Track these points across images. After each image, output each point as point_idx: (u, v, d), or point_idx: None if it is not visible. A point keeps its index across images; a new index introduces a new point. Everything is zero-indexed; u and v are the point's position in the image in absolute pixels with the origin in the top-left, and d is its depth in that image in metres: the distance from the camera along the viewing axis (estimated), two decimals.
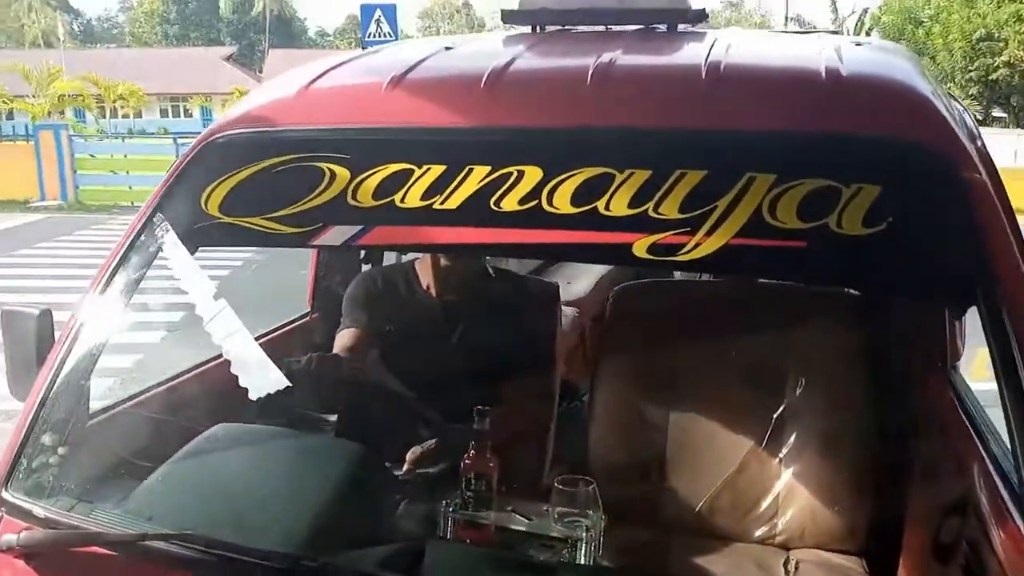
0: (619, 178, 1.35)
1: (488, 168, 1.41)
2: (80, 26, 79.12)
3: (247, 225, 1.54)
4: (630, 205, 1.33)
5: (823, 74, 1.44)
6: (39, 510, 1.39)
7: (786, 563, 1.62)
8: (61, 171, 15.63)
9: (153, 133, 35.93)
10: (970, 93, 24.31)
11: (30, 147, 16.19)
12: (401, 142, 1.52)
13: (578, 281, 3.17)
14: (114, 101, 34.05)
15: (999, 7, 22.44)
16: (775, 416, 1.67)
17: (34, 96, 23.11)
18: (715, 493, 1.73)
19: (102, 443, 1.62)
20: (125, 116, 40.14)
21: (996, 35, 22.76)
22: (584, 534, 1.43)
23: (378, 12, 15.23)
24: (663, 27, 1.91)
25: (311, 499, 1.49)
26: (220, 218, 1.56)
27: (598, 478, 1.70)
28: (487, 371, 1.96)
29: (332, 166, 1.51)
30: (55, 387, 1.54)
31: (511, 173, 1.40)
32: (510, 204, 1.38)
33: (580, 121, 1.47)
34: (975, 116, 4.64)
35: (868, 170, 1.30)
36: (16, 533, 1.32)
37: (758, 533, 1.71)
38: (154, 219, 1.64)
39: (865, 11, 30.44)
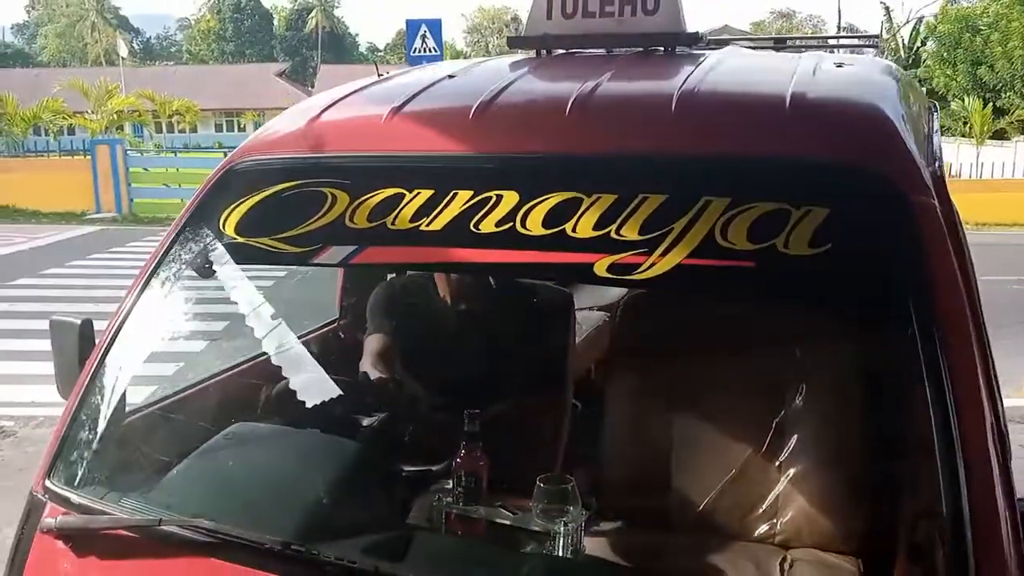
0: (587, 202, 1.45)
1: (471, 192, 1.53)
2: (140, 44, 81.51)
3: (257, 245, 1.69)
4: (594, 227, 1.43)
5: (787, 100, 1.51)
6: (75, 497, 1.58)
7: (783, 562, 1.65)
8: (116, 184, 16.05)
9: (208, 147, 36.76)
10: None
11: (87, 161, 16.66)
12: (395, 168, 1.64)
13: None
14: (170, 116, 34.95)
15: None
16: (776, 421, 1.70)
17: (93, 112, 23.79)
18: (717, 495, 1.75)
19: (132, 440, 1.77)
20: (181, 131, 41.16)
21: None
22: (562, 528, 1.51)
23: (423, 28, 15.38)
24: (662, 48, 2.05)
25: (311, 491, 1.62)
26: (235, 238, 1.72)
27: (607, 479, 1.84)
28: (500, 376, 2.03)
29: (334, 190, 1.64)
30: (92, 389, 1.72)
31: (491, 197, 1.51)
32: (488, 226, 1.49)
33: (555, 149, 1.58)
34: None
35: (816, 193, 1.37)
36: (55, 517, 1.54)
37: (757, 533, 1.72)
38: (179, 238, 1.81)
39: (920, 20, 29.78)
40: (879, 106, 1.58)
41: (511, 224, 1.48)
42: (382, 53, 76.76)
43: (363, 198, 1.61)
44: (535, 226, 1.47)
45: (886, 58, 6.04)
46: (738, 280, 1.39)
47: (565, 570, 1.56)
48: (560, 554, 1.52)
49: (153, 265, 1.82)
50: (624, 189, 1.46)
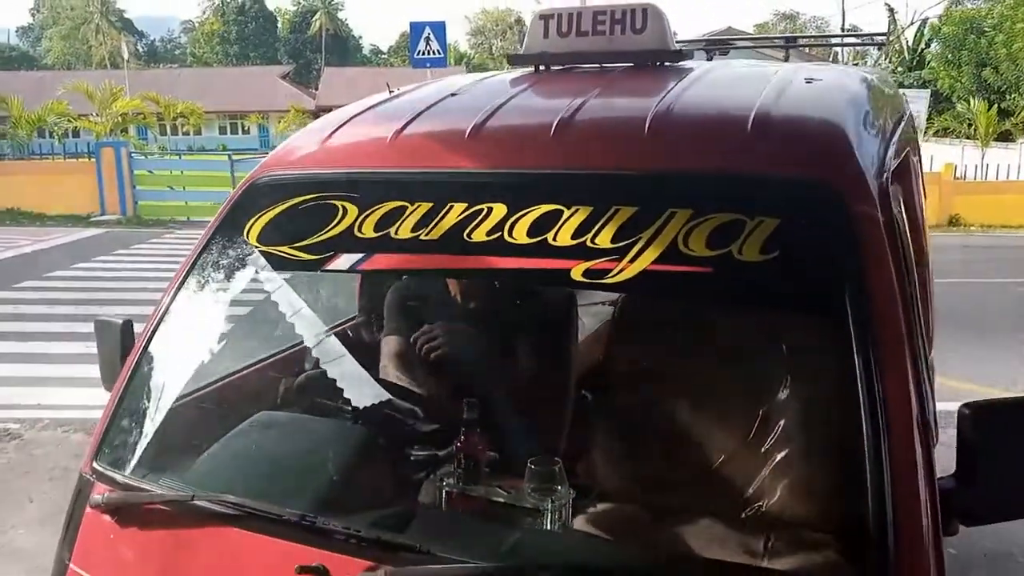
0: (566, 214, 1.61)
1: (465, 205, 1.70)
2: (144, 47, 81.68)
3: (276, 253, 1.88)
4: (572, 236, 1.59)
5: (747, 120, 1.66)
6: (119, 477, 1.77)
7: (767, 540, 1.74)
8: (121, 187, 16.09)
9: (212, 150, 36.80)
10: None
11: (92, 164, 16.72)
12: (398, 183, 1.82)
13: None
14: (174, 119, 35.01)
15: None
16: (757, 411, 1.81)
17: (97, 115, 23.82)
18: (705, 478, 1.85)
19: (168, 425, 1.91)
20: (185, 133, 41.22)
21: None
22: (550, 505, 1.67)
23: (427, 30, 15.39)
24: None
25: (326, 471, 1.83)
26: (257, 246, 1.91)
27: (602, 463, 2.01)
28: (506, 369, 2.18)
29: (344, 203, 1.82)
30: (132, 382, 1.91)
31: (482, 209, 1.68)
32: (479, 236, 1.66)
33: (539, 166, 1.75)
34: None
35: (768, 206, 1.52)
36: (101, 494, 1.73)
37: (743, 514, 1.80)
38: (209, 246, 1.99)
39: (924, 22, 29.73)
40: (830, 124, 1.73)
41: (499, 234, 1.64)
42: (385, 56, 76.87)
43: (370, 210, 1.78)
44: (520, 235, 1.63)
45: (890, 60, 6.00)
46: (697, 284, 1.54)
47: (550, 543, 1.69)
48: (547, 528, 1.67)
49: (185, 270, 1.99)
50: (599, 202, 1.62)
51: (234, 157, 17.24)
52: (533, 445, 1.87)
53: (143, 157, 18.67)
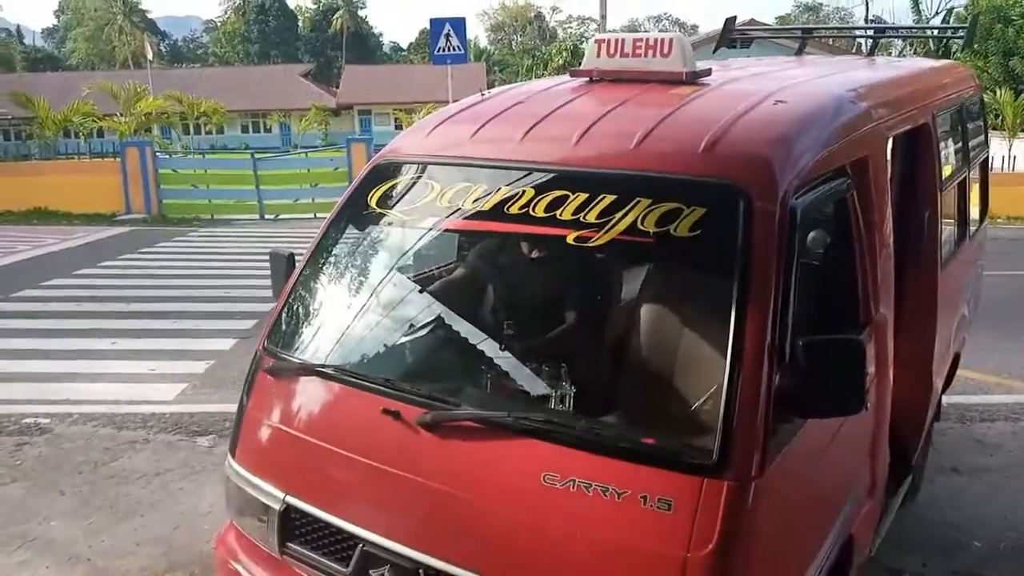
0: (570, 198, 2.34)
1: (508, 188, 2.48)
2: (167, 47, 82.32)
3: (385, 213, 2.79)
4: (572, 214, 2.32)
5: (706, 137, 2.30)
6: (280, 352, 2.71)
7: (661, 412, 2.36)
8: (145, 186, 16.25)
9: (235, 148, 37.03)
10: None
11: (117, 163, 16.89)
12: (467, 170, 2.63)
13: None
14: (197, 118, 35.28)
15: None
16: (674, 328, 2.48)
17: (122, 115, 24.07)
18: (630, 370, 2.55)
19: (312, 320, 2.88)
20: (208, 132, 41.50)
21: None
22: (555, 394, 2.34)
23: (447, 27, 15.33)
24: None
25: (404, 351, 2.72)
26: (375, 209, 2.79)
27: (603, 376, 2.62)
28: (558, 306, 2.77)
29: (432, 182, 2.68)
30: (291, 293, 2.82)
31: (518, 191, 2.44)
32: (513, 209, 2.43)
33: (561, 164, 2.47)
34: None
35: (699, 199, 2.22)
36: (267, 363, 2.69)
37: (648, 390, 2.46)
38: (345, 207, 2.88)
39: (950, 11, 29.30)
40: (756, 141, 2.33)
41: (527, 210, 2.40)
42: (406, 52, 76.94)
43: (448, 188, 2.61)
44: (539, 211, 2.38)
45: (915, 50, 6.11)
46: (646, 250, 2.34)
47: (542, 396, 2.36)
48: (546, 400, 2.35)
49: (328, 222, 2.90)
50: (592, 191, 2.33)
51: (256, 156, 17.34)
52: (549, 353, 2.49)
53: (167, 156, 18.81)
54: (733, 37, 4.82)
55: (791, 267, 2.12)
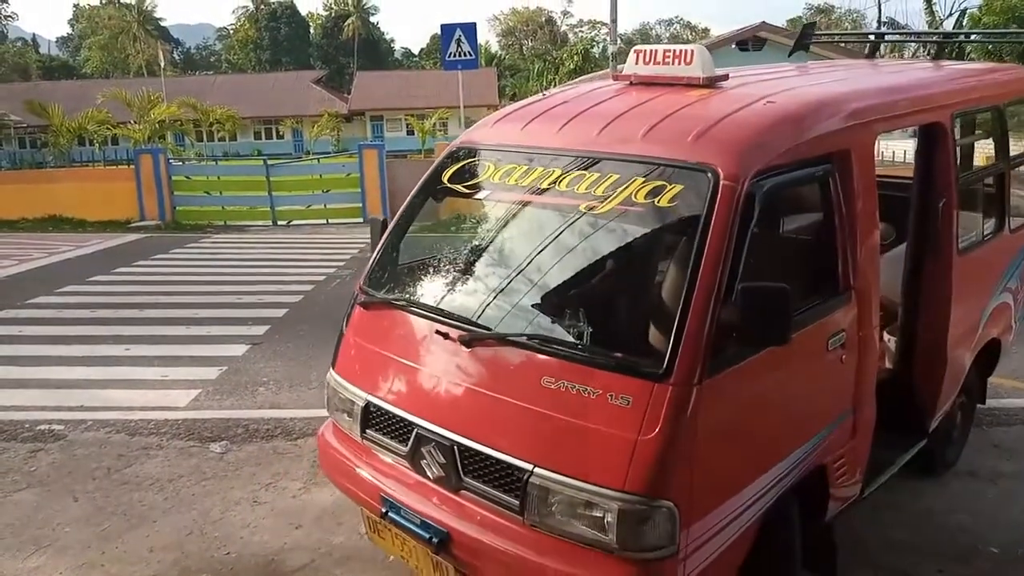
0: (585, 176, 3.06)
1: (543, 168, 3.21)
2: (180, 55, 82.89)
3: (452, 188, 3.53)
4: (585, 188, 3.01)
5: (696, 131, 2.91)
6: (370, 291, 3.53)
7: (623, 332, 3.04)
8: (159, 193, 16.31)
9: (247, 155, 37.19)
10: None
11: (131, 171, 16.96)
12: (516, 154, 3.38)
13: None
14: (210, 125, 35.48)
15: None
16: (649, 274, 3.09)
17: (135, 122, 24.19)
18: (606, 302, 3.19)
19: (391, 269, 3.66)
20: (221, 139, 41.77)
21: None
22: (554, 322, 3.02)
23: (458, 32, 15.33)
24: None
25: (455, 292, 3.36)
26: (446, 184, 3.55)
27: (582, 300, 3.14)
28: (568, 260, 3.26)
29: (489, 163, 3.46)
30: (381, 249, 3.66)
31: (551, 171, 3.18)
32: (544, 184, 3.17)
33: (584, 149, 3.16)
34: None
35: (680, 177, 2.85)
36: (361, 298, 3.52)
37: (618, 315, 3.13)
38: (426, 181, 3.68)
39: (963, 12, 29.08)
40: (734, 134, 2.91)
41: (554, 185, 3.13)
42: (417, 58, 77.14)
43: (501, 168, 3.38)
44: (562, 186, 3.09)
45: (928, 51, 6.33)
46: (636, 216, 2.94)
47: (546, 323, 3.02)
48: (549, 326, 3.00)
49: (412, 195, 3.72)
50: (603, 171, 3.03)
51: (269, 162, 17.40)
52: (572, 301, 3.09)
53: (180, 163, 18.89)
54: (808, 42, 5.51)
55: (747, 230, 2.71)
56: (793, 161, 2.99)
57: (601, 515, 2.59)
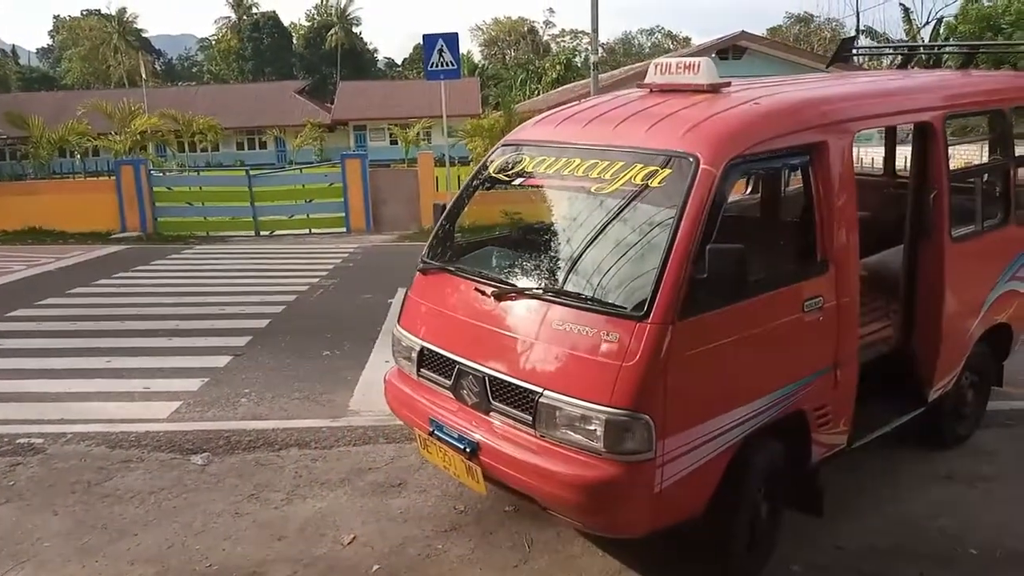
0: (598, 163, 3.73)
1: (567, 158, 3.89)
2: (162, 66, 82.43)
3: (496, 176, 4.30)
4: (596, 174, 3.68)
5: (688, 126, 3.54)
6: (428, 259, 4.33)
7: (611, 287, 3.57)
8: (140, 204, 16.23)
9: (230, 165, 36.97)
10: None
11: (112, 182, 16.85)
12: (547, 147, 4.09)
13: None
14: (192, 136, 35.29)
15: None
16: (637, 239, 3.54)
17: (116, 133, 24.01)
18: (606, 269, 3.61)
19: (447, 243, 4.39)
20: (203, 150, 41.55)
21: None
22: (564, 278, 3.66)
23: (440, 43, 15.40)
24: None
25: (492, 263, 4.18)
26: (491, 173, 4.34)
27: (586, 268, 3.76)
28: (579, 231, 3.96)
29: (527, 156, 4.19)
30: (438, 228, 4.46)
31: (573, 160, 3.86)
32: (567, 171, 3.85)
33: (600, 144, 3.82)
34: None
35: (670, 163, 3.45)
36: (421, 265, 4.36)
37: (605, 272, 3.65)
38: (477, 172, 4.50)
39: (940, 20, 29.50)
40: (717, 128, 3.51)
41: (573, 171, 3.80)
42: (400, 68, 77.16)
43: (535, 159, 4.09)
44: (580, 172, 3.77)
45: (942, 62, 6.76)
46: (633, 194, 3.51)
47: (558, 279, 3.64)
48: (560, 281, 3.63)
49: (465, 184, 4.53)
50: (611, 160, 3.68)
51: (251, 172, 17.34)
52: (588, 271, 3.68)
53: (161, 174, 18.78)
54: (846, 55, 6.24)
55: (721, 206, 3.34)
56: (768, 151, 3.63)
57: (593, 427, 3.22)
